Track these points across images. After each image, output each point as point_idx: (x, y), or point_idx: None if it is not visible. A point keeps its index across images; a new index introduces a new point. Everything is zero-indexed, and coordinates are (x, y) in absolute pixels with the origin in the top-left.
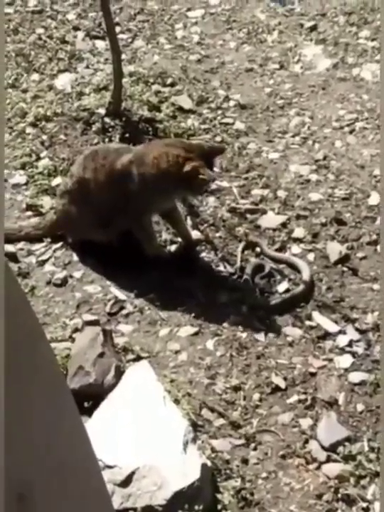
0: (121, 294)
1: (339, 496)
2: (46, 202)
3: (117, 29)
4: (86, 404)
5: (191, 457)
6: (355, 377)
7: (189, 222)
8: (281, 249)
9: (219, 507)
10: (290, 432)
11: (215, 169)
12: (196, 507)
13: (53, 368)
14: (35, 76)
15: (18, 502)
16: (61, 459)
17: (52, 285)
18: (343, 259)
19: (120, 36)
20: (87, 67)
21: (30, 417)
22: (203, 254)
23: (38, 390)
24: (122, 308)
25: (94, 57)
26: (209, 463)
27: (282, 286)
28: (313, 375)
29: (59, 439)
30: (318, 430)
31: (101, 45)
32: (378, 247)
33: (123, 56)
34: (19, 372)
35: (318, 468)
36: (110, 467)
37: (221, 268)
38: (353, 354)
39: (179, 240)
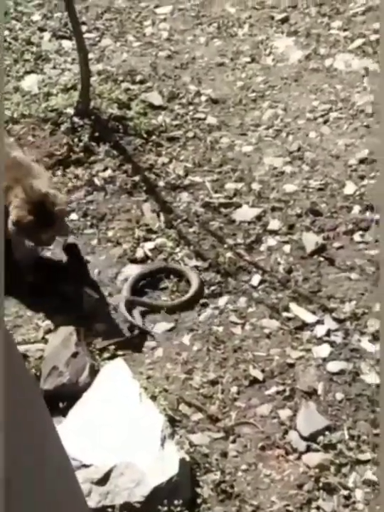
0: (94, 293)
1: (320, 485)
2: None
3: (84, 28)
4: (61, 405)
5: (169, 453)
6: (334, 366)
7: (162, 218)
8: (257, 241)
9: (199, 501)
10: (269, 424)
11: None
12: (175, 502)
13: (24, 372)
14: None
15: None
16: (37, 460)
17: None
18: (320, 250)
19: (87, 35)
20: (54, 67)
21: (7, 419)
22: (177, 250)
23: (13, 393)
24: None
25: (61, 57)
26: (187, 457)
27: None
28: (291, 366)
29: (34, 439)
30: (297, 420)
31: (68, 44)
32: (354, 236)
33: (91, 55)
34: None
35: (298, 458)
36: (87, 466)
37: (194, 263)
38: (331, 344)
39: None
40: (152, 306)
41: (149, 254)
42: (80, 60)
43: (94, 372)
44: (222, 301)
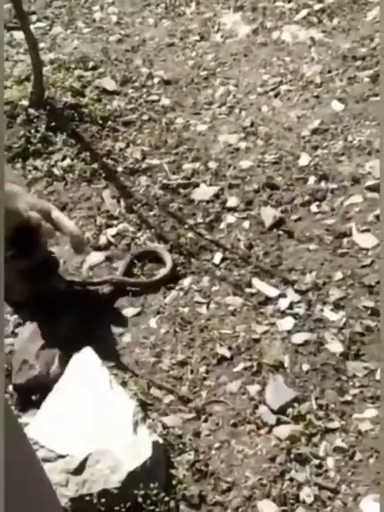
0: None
1: (292, 456)
2: None
3: (34, 18)
4: (34, 398)
5: (142, 437)
6: (299, 338)
7: (122, 204)
8: (217, 220)
9: (174, 482)
10: (239, 400)
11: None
12: (151, 485)
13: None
14: None
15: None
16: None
17: None
18: (278, 223)
19: (38, 25)
20: (7, 59)
21: None
22: (139, 234)
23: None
24: None
25: (13, 49)
26: (161, 440)
27: None
28: (257, 341)
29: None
30: (266, 395)
31: (19, 35)
32: (311, 207)
33: (42, 44)
34: None
35: (269, 431)
36: (63, 456)
37: (156, 246)
38: (295, 316)
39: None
40: (140, 285)
41: (112, 240)
42: (30, 50)
43: (64, 362)
44: (186, 281)
